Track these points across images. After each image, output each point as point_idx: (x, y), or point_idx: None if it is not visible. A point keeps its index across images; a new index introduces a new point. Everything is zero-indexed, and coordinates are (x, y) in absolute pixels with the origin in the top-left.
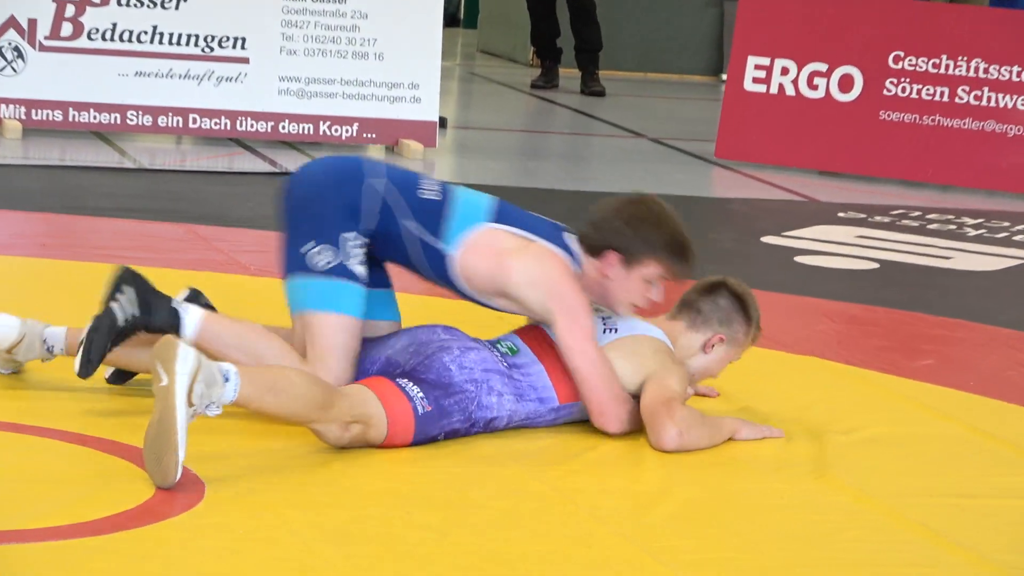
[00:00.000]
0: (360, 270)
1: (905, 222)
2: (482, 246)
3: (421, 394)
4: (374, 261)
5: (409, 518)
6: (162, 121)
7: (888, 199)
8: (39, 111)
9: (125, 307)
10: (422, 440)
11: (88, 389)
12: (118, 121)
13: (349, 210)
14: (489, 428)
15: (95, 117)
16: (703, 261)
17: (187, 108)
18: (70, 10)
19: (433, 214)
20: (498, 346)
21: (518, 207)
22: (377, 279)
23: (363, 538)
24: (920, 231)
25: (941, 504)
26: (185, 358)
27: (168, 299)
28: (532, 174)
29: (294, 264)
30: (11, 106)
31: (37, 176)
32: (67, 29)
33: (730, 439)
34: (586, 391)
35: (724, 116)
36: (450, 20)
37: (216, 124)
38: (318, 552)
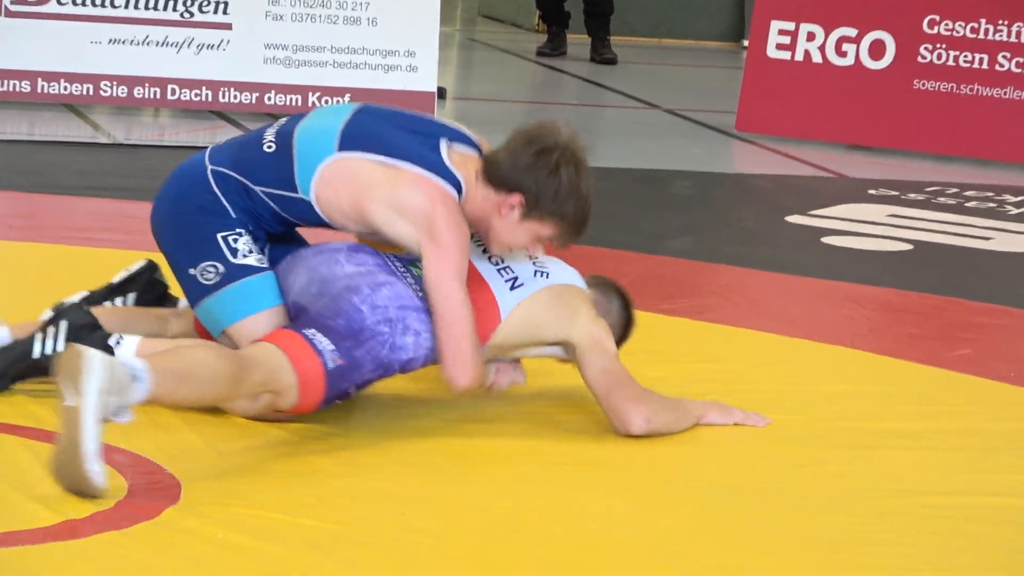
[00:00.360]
0: (254, 259)
1: (941, 200)
2: (335, 182)
3: (332, 347)
4: (275, 235)
5: (403, 520)
6: (138, 92)
7: (923, 175)
8: (5, 82)
9: (48, 341)
10: (332, 397)
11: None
12: (91, 92)
13: (210, 211)
14: (406, 370)
15: (66, 88)
16: (726, 242)
17: (165, 78)
18: None
19: (280, 166)
20: (413, 269)
21: (384, 117)
22: (283, 250)
23: (353, 543)
24: (957, 209)
25: (977, 504)
26: (93, 370)
27: (104, 336)
28: None
29: (192, 291)
30: None
31: (3, 152)
32: None
33: (696, 424)
34: (443, 336)
35: (745, 86)
36: None
37: (197, 95)
38: (304, 559)
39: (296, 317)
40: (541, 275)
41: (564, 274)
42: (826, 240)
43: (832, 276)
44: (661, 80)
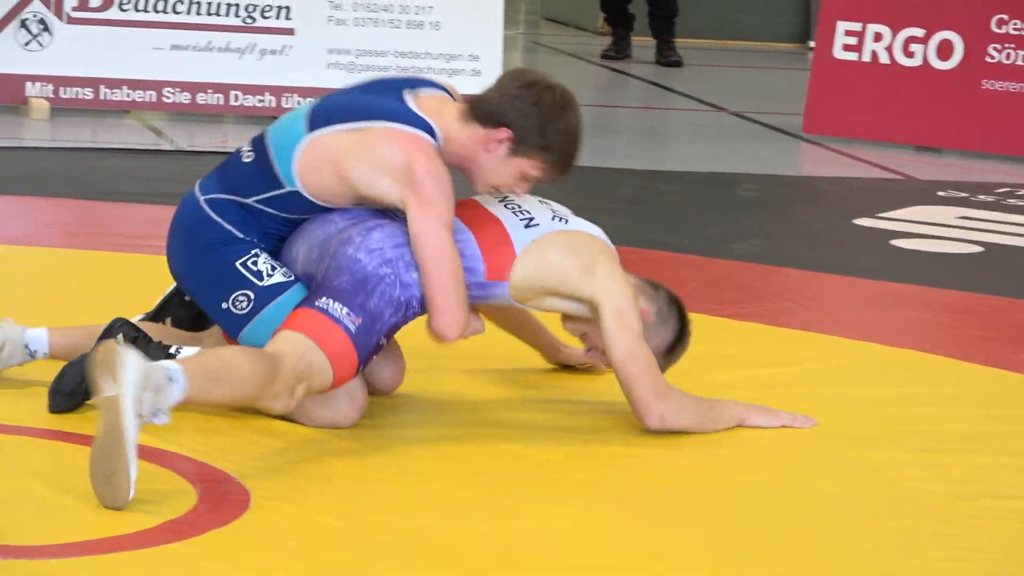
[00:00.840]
0: (279, 276)
1: (1011, 201)
2: (315, 162)
3: (346, 309)
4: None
5: (472, 528)
6: (201, 98)
7: (992, 176)
8: (67, 89)
9: None
10: (366, 357)
11: None
12: (153, 99)
13: (219, 243)
14: (426, 308)
15: (128, 95)
16: (794, 245)
17: (228, 84)
18: None
19: (261, 169)
20: None
21: (345, 91)
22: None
23: (422, 551)
24: None
25: None
26: (131, 365)
27: (162, 346)
28: (603, 152)
29: (232, 325)
30: (37, 84)
31: (66, 159)
32: None
33: (738, 426)
34: (431, 287)
35: (812, 87)
36: None
37: (260, 101)
38: (373, 567)
39: (308, 287)
40: (559, 219)
41: (584, 224)
42: (895, 243)
43: (900, 279)
44: (727, 82)
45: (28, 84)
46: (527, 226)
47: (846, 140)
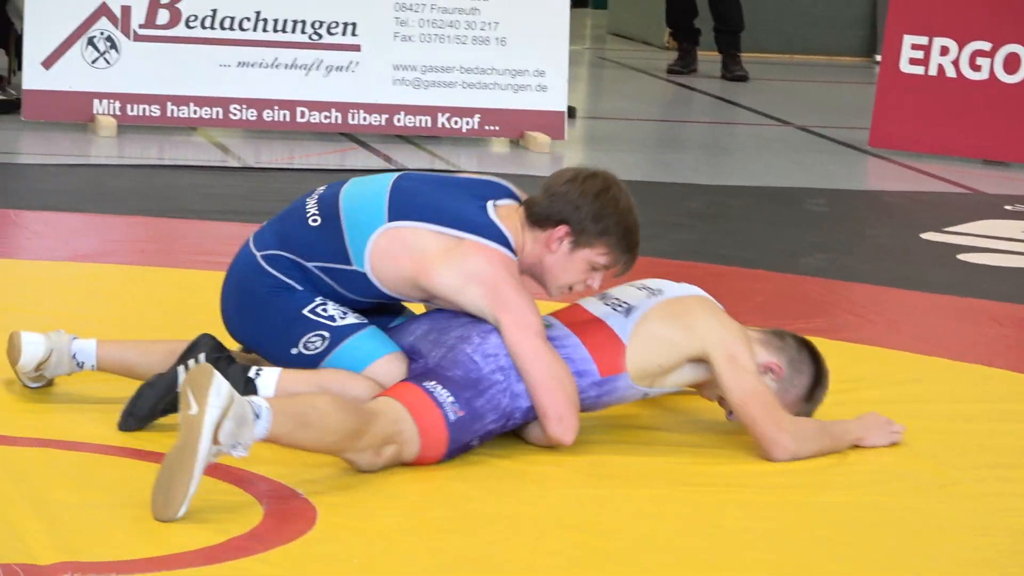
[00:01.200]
0: (352, 319)
1: None
2: (392, 252)
3: (451, 398)
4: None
5: (538, 545)
6: (267, 115)
7: None
8: (135, 106)
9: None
10: (455, 450)
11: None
12: (220, 116)
13: (281, 290)
14: (529, 416)
15: (195, 112)
16: (860, 260)
17: (294, 100)
18: None
19: (330, 238)
20: None
21: (426, 182)
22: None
23: (490, 567)
24: None
25: None
26: (219, 391)
27: (243, 369)
28: (669, 167)
29: (304, 367)
30: (105, 101)
31: (133, 176)
32: (163, 16)
33: (855, 446)
34: (540, 395)
35: (878, 101)
36: (578, 0)
37: (326, 117)
38: None
39: (414, 362)
40: (653, 295)
41: (679, 289)
42: (962, 257)
43: (968, 293)
44: (793, 96)
45: (96, 102)
46: (627, 315)
47: (913, 154)
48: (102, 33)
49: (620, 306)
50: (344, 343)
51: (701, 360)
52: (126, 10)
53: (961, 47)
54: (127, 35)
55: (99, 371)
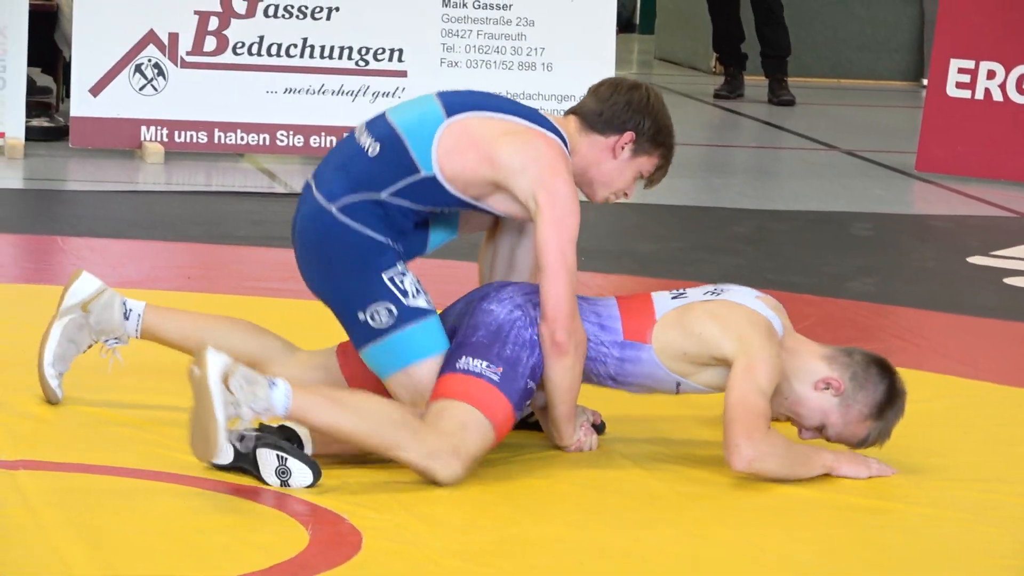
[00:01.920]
0: (423, 301)
1: None
2: (458, 145)
3: (484, 363)
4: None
5: (581, 569)
6: (315, 141)
7: None
8: (182, 133)
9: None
10: (519, 400)
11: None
12: (267, 142)
13: (363, 250)
14: None
15: (242, 138)
16: (907, 284)
17: (341, 127)
18: (214, 23)
19: (395, 158)
20: None
21: (472, 91)
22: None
23: None
24: None
25: None
26: (216, 356)
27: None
28: (716, 192)
29: (361, 335)
30: (152, 128)
31: (181, 203)
32: (211, 43)
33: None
34: (545, 293)
35: (925, 125)
36: (625, 25)
37: None
38: None
39: (450, 341)
40: (711, 293)
41: (739, 295)
42: (1009, 281)
43: (1015, 317)
44: (839, 121)
45: (143, 128)
46: (674, 297)
47: (959, 178)
48: (149, 60)
49: (678, 294)
50: (406, 327)
51: (728, 363)
52: (173, 37)
53: (1008, 71)
54: (174, 62)
55: (142, 336)
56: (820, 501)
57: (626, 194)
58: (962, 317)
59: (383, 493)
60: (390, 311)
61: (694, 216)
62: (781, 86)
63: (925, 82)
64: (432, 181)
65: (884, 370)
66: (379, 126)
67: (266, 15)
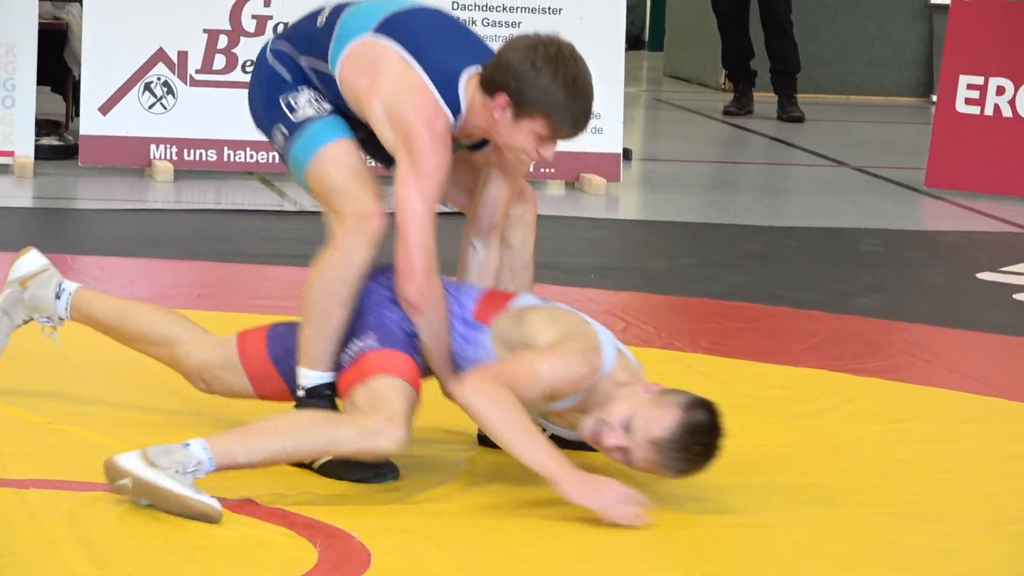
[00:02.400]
0: (312, 111)
1: None
2: (359, 63)
3: (359, 341)
4: None
5: None
6: None
7: None
8: (191, 151)
9: None
10: (408, 347)
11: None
12: (276, 160)
13: (272, 83)
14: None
15: (251, 156)
16: (916, 300)
17: None
18: (223, 41)
19: (322, 38)
20: None
21: (436, 19)
22: None
23: None
24: None
25: None
26: (123, 457)
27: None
28: (725, 208)
29: (281, 157)
30: (161, 146)
31: (190, 221)
32: (220, 62)
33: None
34: (399, 252)
35: (934, 141)
36: (634, 42)
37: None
38: None
39: None
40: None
41: (580, 317)
42: (1018, 297)
43: (1023, 333)
44: (849, 137)
45: (152, 147)
46: (535, 298)
47: (968, 194)
48: (159, 78)
49: (548, 304)
50: (299, 132)
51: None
52: (183, 55)
53: (1017, 87)
54: (184, 80)
55: (72, 315)
56: (825, 516)
57: (541, 157)
58: (971, 333)
59: (391, 511)
60: (282, 131)
61: (703, 233)
62: (791, 102)
63: (934, 98)
64: (333, 81)
65: (698, 405)
66: (338, 7)
67: (275, 33)
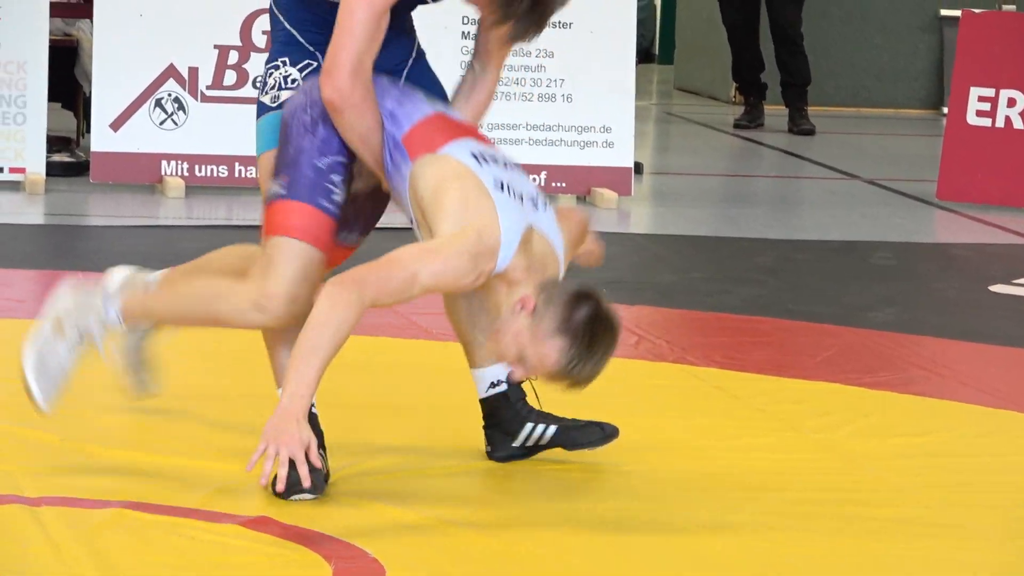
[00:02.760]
0: (268, 98)
1: None
2: None
3: (276, 180)
4: None
5: None
6: None
7: None
8: (202, 167)
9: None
10: (316, 192)
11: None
12: None
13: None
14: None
15: None
16: (929, 313)
17: None
18: (233, 57)
19: None
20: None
21: None
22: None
23: None
24: None
25: None
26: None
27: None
28: (736, 222)
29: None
30: (172, 162)
31: (202, 237)
32: (230, 77)
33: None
34: (329, 48)
35: (946, 153)
36: (644, 55)
37: None
38: None
39: None
40: (535, 205)
41: (546, 218)
42: None
43: None
44: (860, 149)
45: (163, 163)
46: (477, 157)
47: (980, 206)
48: (170, 95)
49: (487, 158)
50: (257, 121)
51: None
52: (193, 71)
53: None
54: (194, 96)
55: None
56: (839, 529)
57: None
58: (984, 346)
59: (405, 527)
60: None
61: (715, 246)
62: (801, 115)
63: (945, 110)
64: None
65: (584, 294)
66: None
67: None
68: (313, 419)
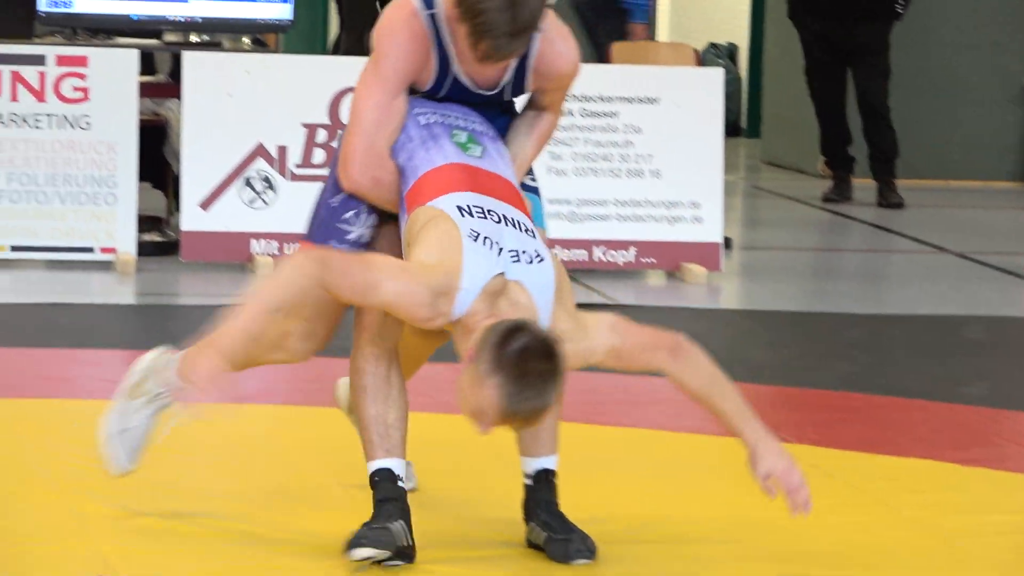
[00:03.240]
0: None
1: None
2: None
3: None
4: None
5: None
6: None
7: None
8: (292, 245)
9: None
10: (322, 234)
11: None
12: None
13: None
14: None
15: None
16: (1021, 386)
17: None
18: (321, 135)
19: None
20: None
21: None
22: None
23: None
24: None
25: None
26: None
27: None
28: (826, 296)
29: None
30: (262, 241)
31: None
32: (319, 156)
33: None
34: (346, 132)
35: None
36: (731, 129)
37: None
38: None
39: None
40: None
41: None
42: None
43: None
44: (949, 222)
45: (253, 241)
46: (471, 214)
47: None
48: (259, 173)
49: (481, 213)
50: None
51: None
52: (282, 150)
53: None
54: (283, 175)
55: None
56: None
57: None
58: None
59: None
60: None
61: (806, 322)
62: (890, 188)
63: None
64: None
65: (515, 327)
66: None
67: None
68: (402, 494)
